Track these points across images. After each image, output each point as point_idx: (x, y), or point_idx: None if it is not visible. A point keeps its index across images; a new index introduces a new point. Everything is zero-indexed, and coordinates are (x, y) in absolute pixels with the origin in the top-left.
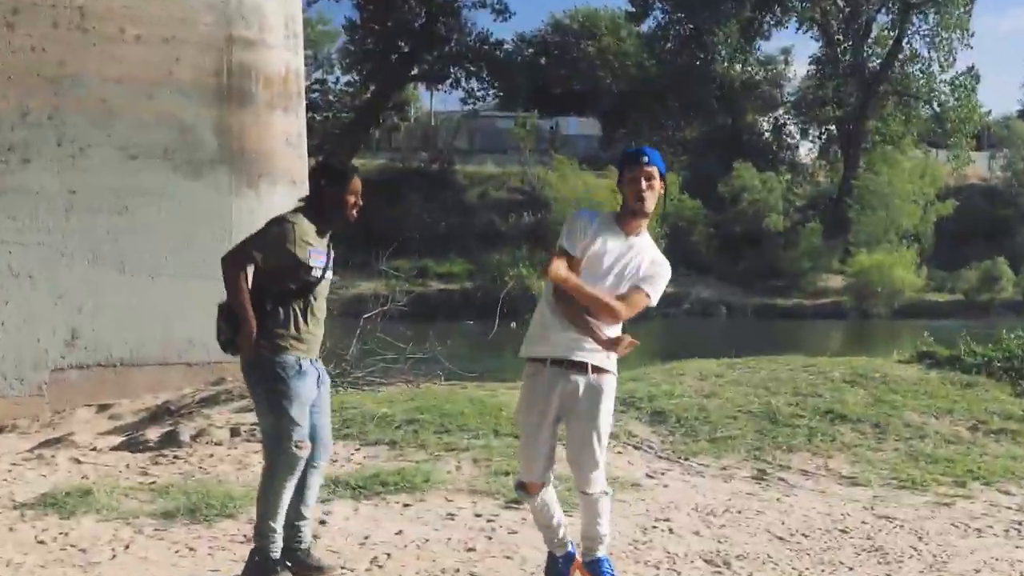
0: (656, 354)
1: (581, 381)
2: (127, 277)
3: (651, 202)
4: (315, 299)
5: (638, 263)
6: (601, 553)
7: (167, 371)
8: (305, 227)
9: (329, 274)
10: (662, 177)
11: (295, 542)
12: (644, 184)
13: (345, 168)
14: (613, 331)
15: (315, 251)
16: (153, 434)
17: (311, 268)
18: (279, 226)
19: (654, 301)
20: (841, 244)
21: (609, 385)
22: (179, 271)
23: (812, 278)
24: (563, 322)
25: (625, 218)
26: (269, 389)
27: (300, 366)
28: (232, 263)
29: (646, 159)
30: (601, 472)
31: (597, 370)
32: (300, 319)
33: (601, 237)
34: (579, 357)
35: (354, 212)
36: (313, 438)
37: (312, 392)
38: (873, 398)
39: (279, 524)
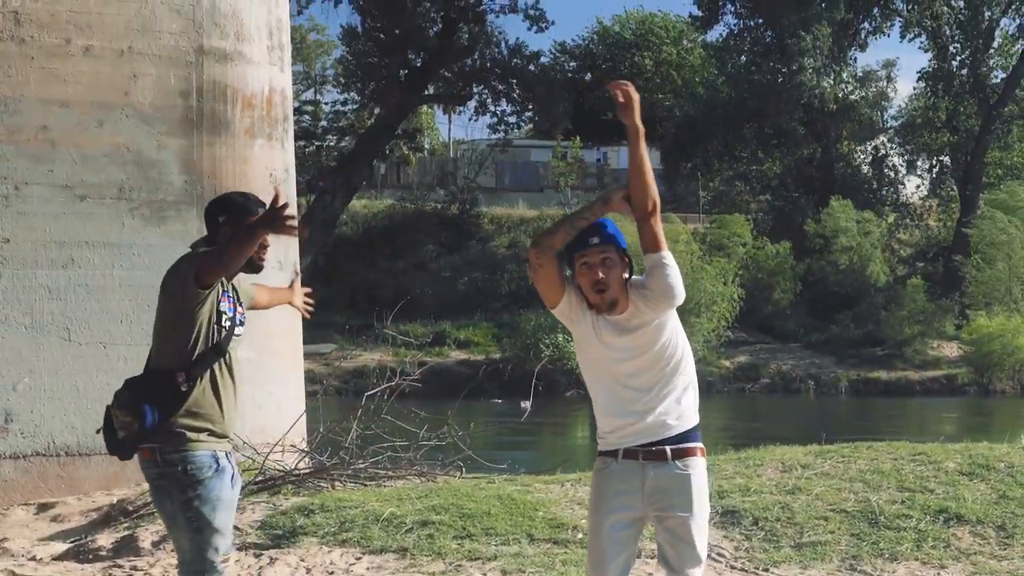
0: (729, 439)
1: (663, 470)
2: (73, 346)
3: (614, 290)
4: (227, 364)
5: (641, 324)
6: None
7: (123, 462)
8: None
9: (240, 330)
10: (623, 252)
11: None
12: (600, 270)
13: (248, 202)
14: (687, 399)
15: (225, 294)
16: (106, 540)
17: (221, 315)
18: (194, 256)
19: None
20: (956, 304)
21: (699, 465)
22: (137, 339)
23: (920, 346)
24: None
25: (596, 309)
26: (182, 499)
27: (218, 463)
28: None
29: (595, 238)
30: (701, 569)
31: (680, 453)
32: (212, 396)
33: (592, 324)
34: (656, 438)
35: (262, 256)
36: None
37: (234, 492)
38: (997, 494)
39: None
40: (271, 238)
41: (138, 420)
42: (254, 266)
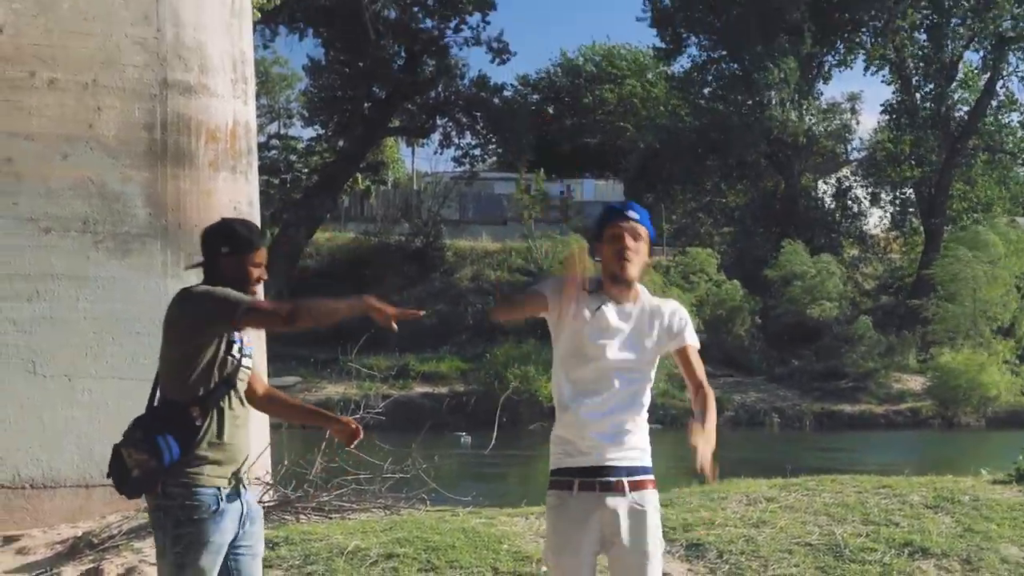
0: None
1: (620, 505)
2: (39, 379)
3: (636, 266)
4: (234, 396)
5: (647, 323)
6: None
7: (88, 494)
8: (231, 293)
9: (248, 361)
10: (651, 243)
11: None
12: (629, 242)
13: (251, 235)
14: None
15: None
16: (71, 573)
17: (232, 345)
18: (214, 295)
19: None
20: (919, 338)
21: (653, 499)
22: (103, 371)
23: (884, 379)
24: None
25: (608, 286)
26: (175, 535)
27: (219, 503)
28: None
29: (633, 214)
30: None
31: (636, 485)
32: (216, 430)
33: (587, 305)
34: (611, 463)
35: (258, 288)
36: None
37: (229, 535)
38: (962, 527)
39: None
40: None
41: (155, 458)
42: (246, 291)
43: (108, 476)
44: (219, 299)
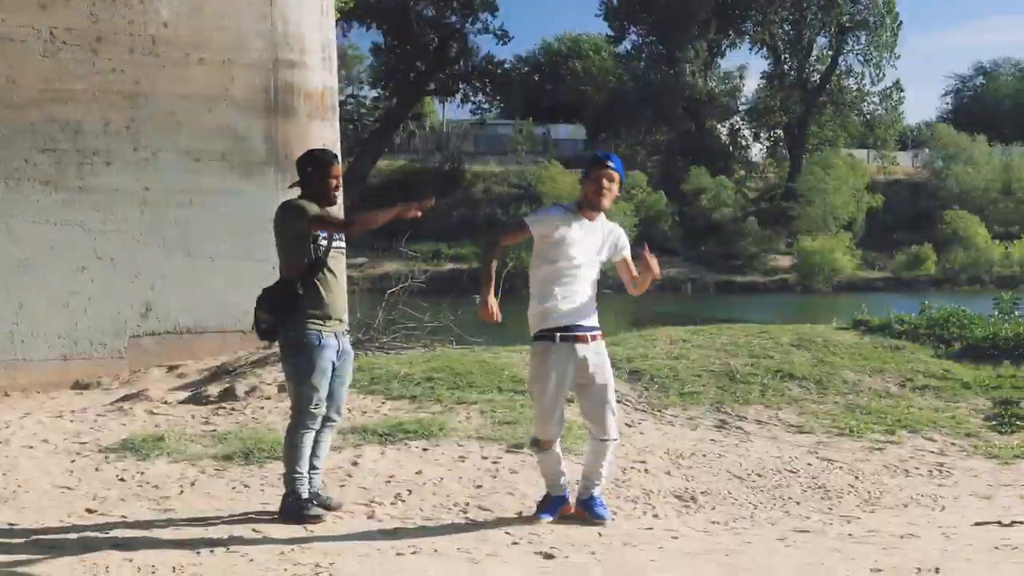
0: (632, 322)
1: (588, 350)
2: (191, 259)
3: (608, 200)
4: (329, 271)
5: (603, 238)
6: (596, 492)
7: (225, 338)
8: (308, 206)
9: (338, 243)
10: (621, 183)
11: (309, 489)
12: (606, 183)
13: (325, 154)
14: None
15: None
16: (214, 390)
17: (317, 238)
18: (297, 206)
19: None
20: (787, 230)
21: (604, 347)
22: (234, 254)
23: (763, 259)
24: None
25: (584, 209)
26: (294, 361)
27: (320, 341)
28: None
29: (611, 164)
30: (615, 419)
31: (595, 337)
32: (319, 295)
33: (565, 225)
34: (579, 323)
35: (336, 193)
36: (329, 401)
37: (329, 362)
38: (816, 359)
39: (304, 468)
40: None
41: (274, 317)
42: (331, 201)
43: (252, 328)
44: (297, 209)
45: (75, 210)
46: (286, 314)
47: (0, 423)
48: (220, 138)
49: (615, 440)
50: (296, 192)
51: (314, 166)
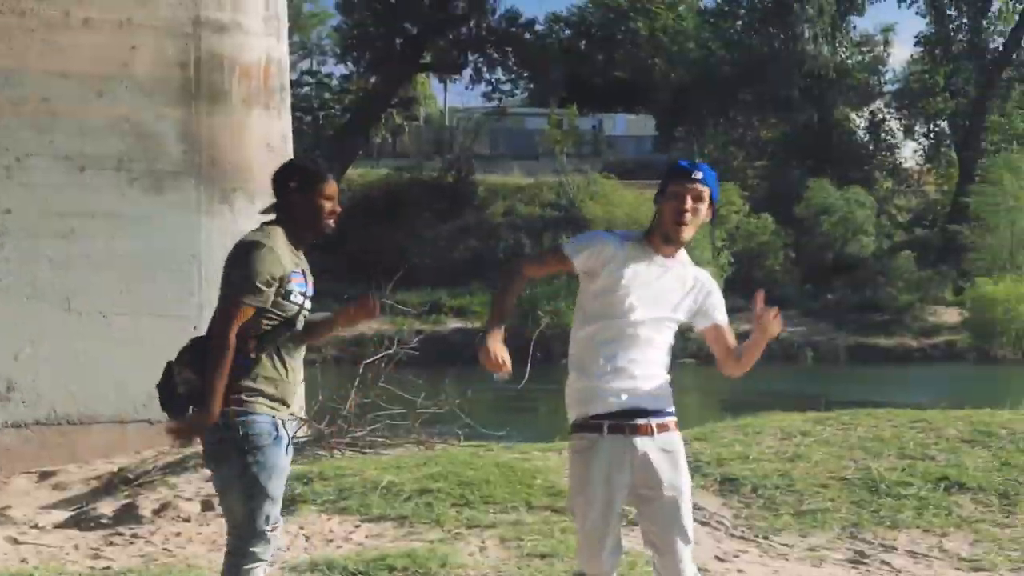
0: (726, 407)
1: (652, 446)
2: (74, 315)
3: (691, 229)
4: (292, 338)
5: (683, 288)
6: None
7: (123, 430)
8: (281, 247)
9: (308, 302)
10: (712, 204)
11: None
12: (689, 203)
13: (318, 168)
14: (664, 382)
15: (294, 274)
16: (107, 508)
17: (290, 293)
18: (256, 253)
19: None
20: (956, 270)
21: (680, 442)
22: (138, 308)
23: (919, 313)
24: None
25: (656, 241)
26: (240, 463)
27: (277, 430)
28: (227, 327)
29: (700, 175)
30: (690, 550)
31: (663, 427)
32: (277, 367)
33: (623, 260)
34: (639, 406)
35: (331, 221)
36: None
37: (288, 460)
38: (999, 461)
39: None
40: None
41: (200, 378)
42: (320, 232)
43: (157, 389)
44: (235, 279)
45: None
46: (227, 381)
47: None
48: (115, 136)
49: None
50: (268, 219)
51: (300, 184)
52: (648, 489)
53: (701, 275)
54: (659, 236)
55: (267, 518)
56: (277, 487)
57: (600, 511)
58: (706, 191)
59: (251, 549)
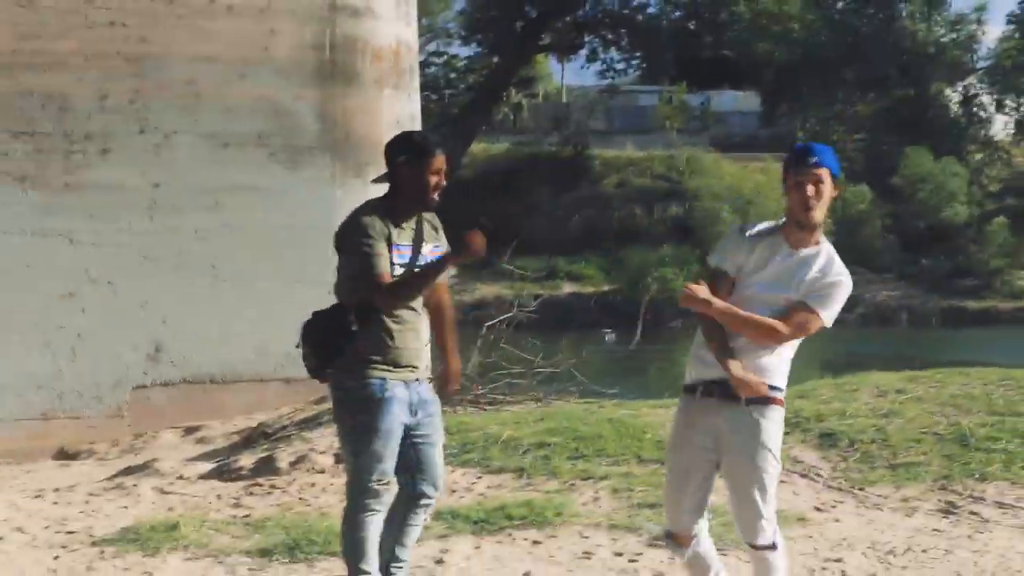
0: (826, 366)
1: (736, 414)
2: (218, 283)
3: (820, 212)
4: (405, 304)
5: (803, 275)
6: None
7: (263, 388)
8: (379, 225)
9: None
10: (834, 179)
11: None
12: (812, 190)
13: (427, 143)
14: (764, 359)
15: (396, 247)
16: (247, 460)
17: (393, 266)
18: (358, 220)
19: (827, 321)
20: None
21: (773, 416)
22: (277, 275)
23: (1009, 278)
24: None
25: (790, 229)
26: (350, 421)
27: (384, 392)
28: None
29: (814, 159)
30: (768, 523)
31: (754, 399)
32: (382, 335)
33: (759, 251)
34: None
35: (436, 195)
36: (419, 471)
37: (399, 421)
38: None
39: (372, 566)
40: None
41: (313, 353)
42: (428, 205)
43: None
44: (352, 252)
45: (60, 216)
46: (333, 353)
47: None
48: (256, 115)
49: (770, 548)
50: (380, 189)
51: (409, 157)
52: (727, 456)
53: (832, 269)
54: (792, 224)
55: (370, 473)
56: (383, 446)
57: (681, 470)
58: (825, 172)
59: (362, 501)
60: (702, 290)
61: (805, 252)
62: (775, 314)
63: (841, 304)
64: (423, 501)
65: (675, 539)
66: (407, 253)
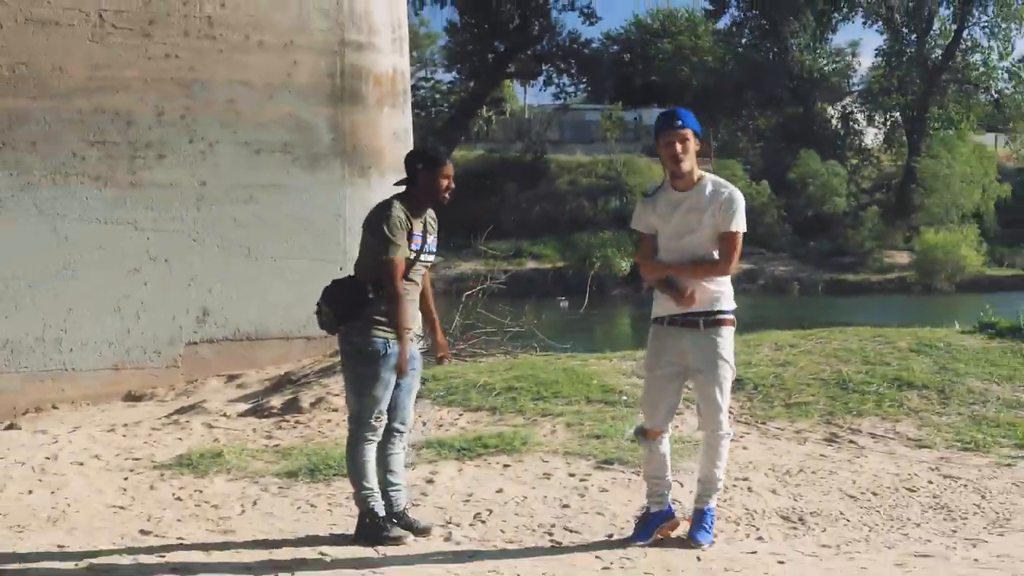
0: (735, 327)
1: (696, 335)
2: (252, 260)
3: (689, 163)
4: (408, 280)
5: (700, 207)
6: (711, 503)
7: (289, 344)
8: (403, 215)
9: (426, 257)
10: (698, 137)
11: (389, 509)
12: (679, 148)
13: (438, 154)
14: (710, 291)
15: (413, 236)
16: (277, 401)
17: (410, 249)
18: (390, 213)
19: (742, 228)
20: (906, 223)
21: (725, 334)
22: (298, 254)
23: (878, 256)
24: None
25: (673, 181)
26: (355, 371)
27: (386, 349)
28: (394, 270)
29: (679, 122)
30: (725, 416)
31: (709, 323)
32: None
33: (660, 206)
34: (693, 310)
35: (446, 194)
36: (394, 411)
37: (394, 372)
38: (938, 366)
39: (372, 483)
40: None
41: (333, 312)
42: (439, 202)
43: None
44: (382, 243)
45: (126, 208)
46: (350, 315)
47: (48, 438)
48: (282, 128)
49: (724, 436)
50: (401, 189)
51: (425, 165)
52: (693, 369)
53: (719, 193)
54: (669, 176)
55: (373, 412)
56: (382, 392)
57: (658, 378)
58: (689, 132)
59: (363, 433)
60: (652, 265)
61: (693, 190)
62: (696, 244)
63: (743, 210)
64: (395, 434)
65: (647, 434)
66: (419, 241)
